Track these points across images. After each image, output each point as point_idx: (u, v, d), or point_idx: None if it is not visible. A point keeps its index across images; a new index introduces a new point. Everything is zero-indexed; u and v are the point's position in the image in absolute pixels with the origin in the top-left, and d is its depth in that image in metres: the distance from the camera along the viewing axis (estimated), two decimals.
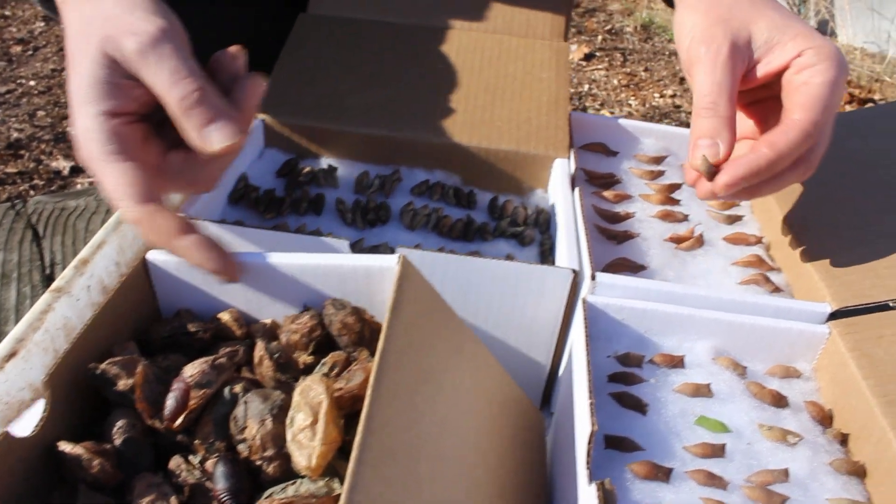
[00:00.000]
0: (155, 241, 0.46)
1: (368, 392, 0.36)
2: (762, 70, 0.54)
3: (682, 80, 2.65)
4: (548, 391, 0.60)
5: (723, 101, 0.52)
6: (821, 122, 0.51)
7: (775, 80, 0.55)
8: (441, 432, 0.41)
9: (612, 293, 0.52)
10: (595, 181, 0.69)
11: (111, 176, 0.46)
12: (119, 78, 0.47)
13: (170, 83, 0.46)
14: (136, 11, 0.47)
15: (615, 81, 2.65)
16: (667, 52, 2.85)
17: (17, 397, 0.49)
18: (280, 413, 0.42)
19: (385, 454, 0.35)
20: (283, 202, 0.61)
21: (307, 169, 0.66)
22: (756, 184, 0.52)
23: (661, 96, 2.58)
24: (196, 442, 0.43)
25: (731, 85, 0.52)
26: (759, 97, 0.58)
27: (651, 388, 0.49)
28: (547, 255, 0.60)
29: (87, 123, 0.47)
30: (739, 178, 0.50)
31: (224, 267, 0.46)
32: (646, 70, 2.73)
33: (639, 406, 0.47)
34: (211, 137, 0.46)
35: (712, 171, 0.51)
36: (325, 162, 0.68)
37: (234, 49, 0.51)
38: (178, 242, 0.45)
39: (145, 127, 0.49)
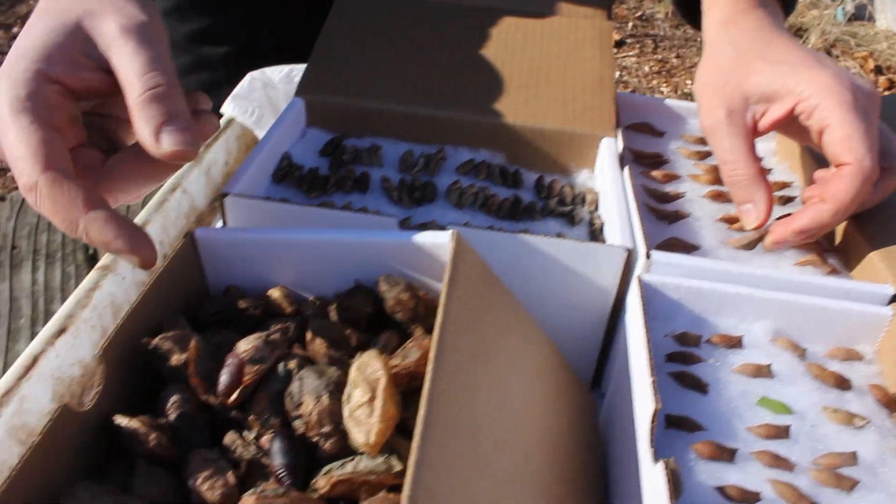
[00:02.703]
0: (54, 216, 0.39)
1: (429, 369, 0.35)
2: (767, 121, 0.56)
3: None
4: (598, 373, 0.59)
5: (741, 162, 0.55)
6: (868, 152, 0.51)
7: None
8: (499, 412, 0.40)
9: (667, 272, 0.51)
10: (643, 161, 0.68)
11: (13, 133, 0.39)
12: (81, 55, 0.43)
13: (142, 70, 0.42)
14: None
15: (646, 68, 2.62)
16: (698, 39, 2.81)
17: (67, 373, 0.49)
18: (336, 390, 0.41)
19: (448, 432, 0.35)
20: (328, 181, 0.61)
21: (351, 147, 0.65)
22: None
23: (693, 83, 2.55)
24: (251, 418, 0.42)
25: (742, 143, 0.56)
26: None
27: (711, 369, 0.48)
28: (597, 235, 0.59)
29: (15, 76, 0.40)
30: (799, 231, 0.54)
31: (135, 247, 0.40)
32: (677, 57, 2.69)
33: (699, 386, 0.46)
34: (163, 137, 0.41)
35: (755, 240, 0.56)
36: (369, 141, 0.67)
37: (199, 94, 0.48)
38: (83, 218, 0.39)
39: (76, 114, 0.44)
